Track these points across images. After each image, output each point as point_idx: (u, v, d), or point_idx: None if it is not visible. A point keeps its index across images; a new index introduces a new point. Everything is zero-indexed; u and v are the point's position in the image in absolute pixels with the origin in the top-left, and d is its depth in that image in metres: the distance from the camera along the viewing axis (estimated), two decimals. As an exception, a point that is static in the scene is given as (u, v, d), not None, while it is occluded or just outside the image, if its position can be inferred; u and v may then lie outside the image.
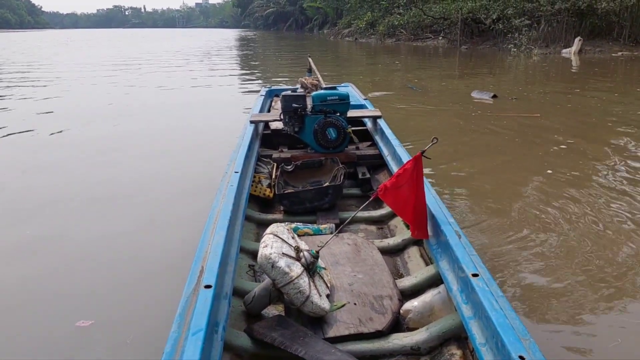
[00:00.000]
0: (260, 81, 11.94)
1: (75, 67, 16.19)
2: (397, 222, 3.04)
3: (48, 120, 7.70)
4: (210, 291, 1.66)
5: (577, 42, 17.82)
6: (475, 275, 1.77)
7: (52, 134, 6.68)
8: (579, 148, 5.58)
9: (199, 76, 13.56)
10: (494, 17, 21.18)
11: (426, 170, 3.40)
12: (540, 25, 19.75)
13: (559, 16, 19.19)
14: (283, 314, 2.15)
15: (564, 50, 18.20)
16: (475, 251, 1.98)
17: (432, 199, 2.40)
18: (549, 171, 4.71)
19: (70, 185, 4.62)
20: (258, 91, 6.33)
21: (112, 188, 4.51)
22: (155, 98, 9.83)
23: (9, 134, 6.67)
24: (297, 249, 2.12)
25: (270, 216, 3.19)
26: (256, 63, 18.41)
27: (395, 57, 20.15)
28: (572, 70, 14.18)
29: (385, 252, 2.66)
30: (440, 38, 25.54)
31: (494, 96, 8.75)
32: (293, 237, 2.25)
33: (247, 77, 13.65)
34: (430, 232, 2.28)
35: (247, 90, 10.77)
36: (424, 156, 2.19)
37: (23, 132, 6.76)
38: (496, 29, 21.39)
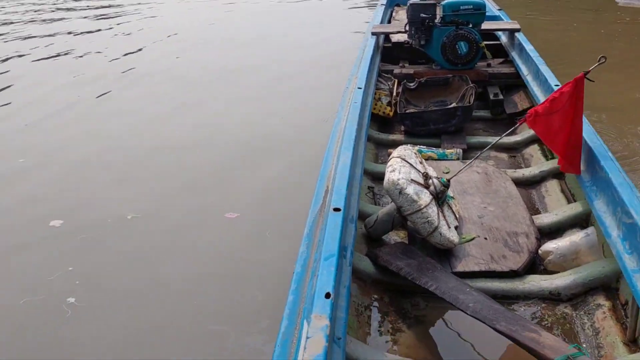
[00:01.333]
0: None
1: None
2: (533, 151, 2.73)
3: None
4: (340, 215, 1.59)
5: None
6: None
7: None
8: None
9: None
10: None
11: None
12: None
13: None
14: (406, 242, 2.06)
15: None
16: None
17: (589, 129, 2.07)
18: None
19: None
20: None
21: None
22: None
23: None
24: (426, 176, 1.97)
25: (390, 136, 3.04)
26: None
27: None
28: None
29: (519, 183, 2.41)
30: None
31: None
32: (421, 162, 2.10)
33: None
34: (583, 167, 1.98)
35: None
36: (587, 78, 1.85)
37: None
38: None
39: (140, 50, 6.56)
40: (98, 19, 8.66)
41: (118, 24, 8.18)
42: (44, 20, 8.76)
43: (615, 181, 1.71)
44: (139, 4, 9.88)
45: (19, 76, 5.65)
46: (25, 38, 7.43)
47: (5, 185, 3.35)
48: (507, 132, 2.19)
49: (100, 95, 4.88)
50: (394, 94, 3.33)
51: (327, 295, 1.26)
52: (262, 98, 4.66)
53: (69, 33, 7.61)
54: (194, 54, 6.36)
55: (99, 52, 6.49)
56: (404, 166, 1.94)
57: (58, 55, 6.43)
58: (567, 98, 1.83)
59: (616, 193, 1.67)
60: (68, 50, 6.59)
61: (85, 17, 8.84)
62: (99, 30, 7.85)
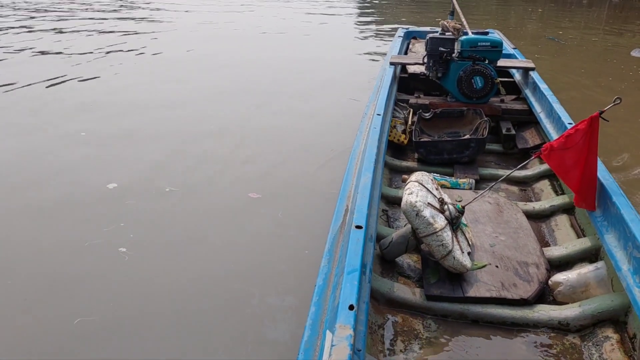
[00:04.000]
0: (376, 26, 11.38)
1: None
2: (543, 186, 2.80)
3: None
4: (362, 232, 1.65)
5: None
6: None
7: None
8: None
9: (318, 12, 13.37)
10: None
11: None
12: None
13: None
14: (419, 264, 2.11)
15: None
16: None
17: (601, 166, 2.14)
18: None
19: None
20: (392, 33, 6.10)
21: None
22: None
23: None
24: (442, 201, 2.03)
25: (403, 163, 3.11)
26: (376, 3, 17.66)
27: (530, 4, 17.99)
28: None
29: (530, 216, 2.47)
30: None
31: None
32: (437, 189, 2.16)
33: (366, 18, 13.15)
34: (596, 203, 2.05)
35: (364, 28, 10.42)
36: (602, 118, 1.93)
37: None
38: None
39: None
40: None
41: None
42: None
43: (627, 217, 1.77)
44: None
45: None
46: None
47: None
48: (521, 165, 2.26)
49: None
50: (409, 122, 3.43)
51: (351, 307, 1.31)
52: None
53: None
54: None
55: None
56: (421, 190, 2.01)
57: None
58: (582, 135, 1.90)
59: (628, 228, 1.73)
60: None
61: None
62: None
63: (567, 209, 2.45)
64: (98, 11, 11.65)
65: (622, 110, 4.76)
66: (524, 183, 2.90)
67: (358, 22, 11.87)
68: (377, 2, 16.58)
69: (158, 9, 12.44)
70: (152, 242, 2.76)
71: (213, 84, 5.90)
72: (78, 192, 3.27)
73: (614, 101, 1.94)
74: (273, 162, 3.78)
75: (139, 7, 12.71)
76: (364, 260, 1.59)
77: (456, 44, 3.50)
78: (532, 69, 3.73)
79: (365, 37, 9.37)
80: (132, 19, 10.78)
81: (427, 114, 3.41)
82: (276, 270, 2.53)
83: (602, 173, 2.09)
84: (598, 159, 2.21)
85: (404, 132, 3.36)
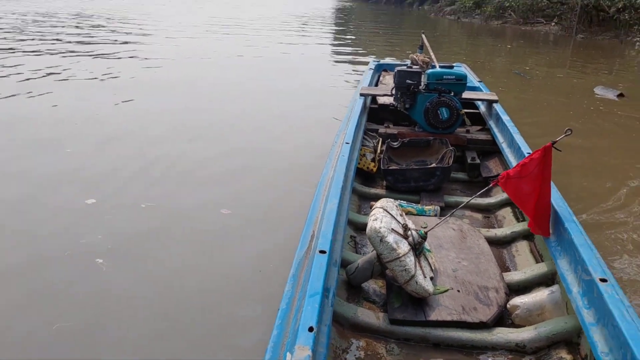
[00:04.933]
0: (355, 57, 11.68)
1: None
2: (506, 213, 2.91)
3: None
4: (325, 257, 1.69)
5: None
6: (603, 280, 1.64)
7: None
8: None
9: (296, 45, 13.67)
10: (620, 6, 18.51)
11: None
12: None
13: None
14: (384, 289, 2.15)
15: None
16: (599, 254, 1.84)
17: (555, 194, 2.25)
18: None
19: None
20: (365, 64, 6.30)
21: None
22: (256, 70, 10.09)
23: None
24: (406, 227, 2.10)
25: (372, 190, 3.19)
26: (351, 37, 18.10)
27: (499, 40, 18.67)
28: None
29: (492, 242, 2.56)
30: (553, 24, 22.77)
31: (621, 95, 7.67)
32: (401, 215, 2.23)
33: (341, 49, 13.48)
34: (550, 230, 2.14)
35: (340, 60, 10.69)
36: (554, 147, 2.05)
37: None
38: (620, 19, 18.58)
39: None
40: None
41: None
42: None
43: (577, 242, 1.86)
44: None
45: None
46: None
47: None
48: (480, 192, 2.36)
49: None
50: (378, 151, 3.52)
51: (311, 329, 1.34)
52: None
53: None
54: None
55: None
56: (385, 216, 2.07)
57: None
58: (536, 164, 2.01)
59: (577, 253, 1.83)
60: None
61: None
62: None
63: (527, 235, 2.54)
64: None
65: (579, 140, 5.01)
66: (487, 210, 3.00)
67: (334, 53, 12.18)
68: (353, 37, 17.06)
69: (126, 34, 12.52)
70: (126, 254, 2.91)
71: (181, 106, 6.09)
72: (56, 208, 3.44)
73: (565, 132, 2.06)
74: (246, 183, 3.93)
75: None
76: (326, 284, 1.63)
77: (423, 76, 3.65)
78: (496, 101, 3.90)
79: (340, 70, 9.59)
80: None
81: (395, 143, 3.52)
82: (243, 288, 2.63)
83: (557, 200, 2.19)
84: (553, 186, 2.33)
85: (373, 160, 3.45)
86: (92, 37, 12.25)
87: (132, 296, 2.56)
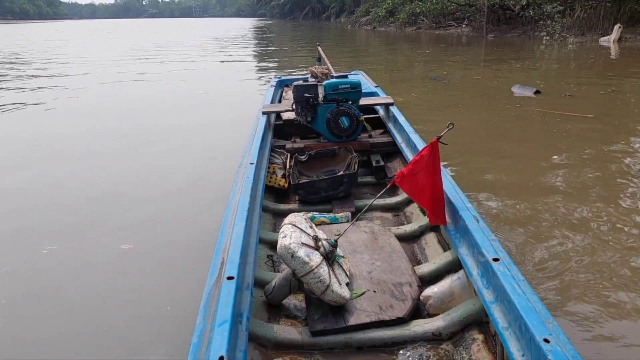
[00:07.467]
0: (274, 72, 11.73)
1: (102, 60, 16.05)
2: (413, 209, 3.04)
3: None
4: (233, 282, 1.67)
5: (616, 30, 16.30)
6: (495, 259, 1.77)
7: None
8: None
9: (214, 66, 13.52)
10: (524, 3, 19.64)
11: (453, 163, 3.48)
12: (574, 11, 18.37)
13: (594, 1, 17.85)
14: (304, 304, 2.16)
15: (602, 39, 16.62)
16: (494, 236, 1.97)
17: (449, 184, 2.39)
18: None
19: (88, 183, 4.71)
20: (269, 81, 6.37)
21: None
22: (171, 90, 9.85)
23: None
24: (316, 238, 2.13)
25: (286, 206, 3.20)
26: (271, 52, 18.19)
27: (416, 46, 19.31)
28: (613, 60, 12.95)
29: (403, 239, 2.67)
30: (464, 26, 24.01)
31: (537, 92, 7.83)
32: (311, 227, 2.26)
33: (261, 66, 13.53)
34: (448, 219, 2.27)
35: (254, 77, 10.73)
36: (441, 142, 2.18)
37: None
38: (526, 16, 19.87)
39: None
40: None
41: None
42: None
43: (471, 227, 1.99)
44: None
45: None
46: None
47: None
48: (380, 194, 2.46)
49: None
50: (287, 166, 3.56)
51: (221, 359, 1.32)
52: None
53: None
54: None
55: None
56: (294, 231, 2.09)
57: None
58: (426, 160, 2.13)
59: (472, 237, 1.95)
60: None
61: None
62: None
63: (434, 227, 2.68)
64: None
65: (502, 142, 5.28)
66: (396, 209, 3.12)
67: (247, 70, 12.14)
68: (271, 53, 17.09)
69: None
70: (24, 298, 2.80)
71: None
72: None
73: (448, 127, 2.19)
74: (149, 212, 3.86)
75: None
76: (237, 310, 1.61)
77: (320, 88, 3.74)
78: (392, 104, 4.09)
79: (253, 88, 9.58)
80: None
81: (303, 157, 3.57)
82: (148, 328, 2.51)
83: (451, 191, 2.33)
84: (448, 178, 2.48)
85: (283, 176, 3.47)
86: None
87: (27, 342, 2.41)
